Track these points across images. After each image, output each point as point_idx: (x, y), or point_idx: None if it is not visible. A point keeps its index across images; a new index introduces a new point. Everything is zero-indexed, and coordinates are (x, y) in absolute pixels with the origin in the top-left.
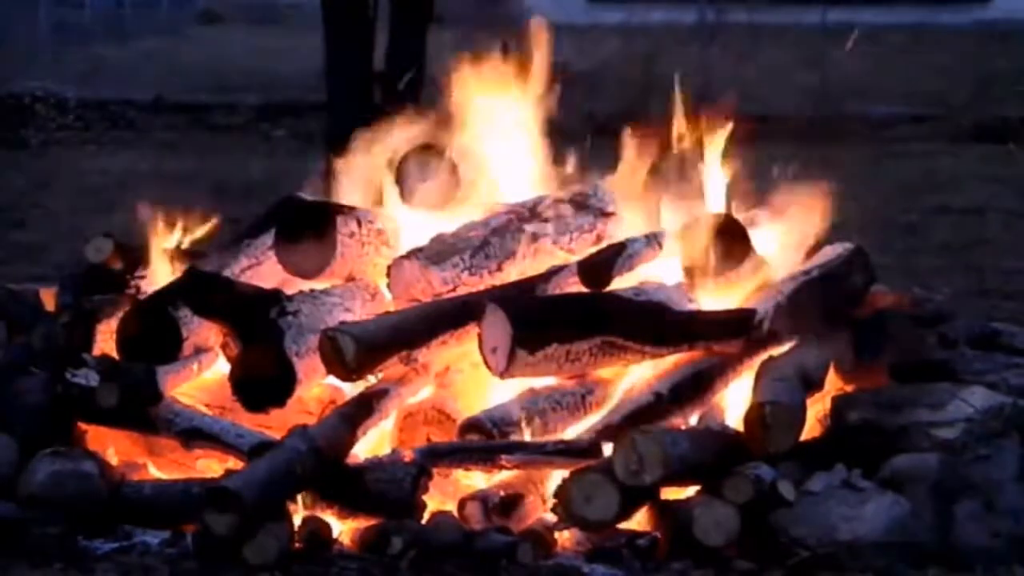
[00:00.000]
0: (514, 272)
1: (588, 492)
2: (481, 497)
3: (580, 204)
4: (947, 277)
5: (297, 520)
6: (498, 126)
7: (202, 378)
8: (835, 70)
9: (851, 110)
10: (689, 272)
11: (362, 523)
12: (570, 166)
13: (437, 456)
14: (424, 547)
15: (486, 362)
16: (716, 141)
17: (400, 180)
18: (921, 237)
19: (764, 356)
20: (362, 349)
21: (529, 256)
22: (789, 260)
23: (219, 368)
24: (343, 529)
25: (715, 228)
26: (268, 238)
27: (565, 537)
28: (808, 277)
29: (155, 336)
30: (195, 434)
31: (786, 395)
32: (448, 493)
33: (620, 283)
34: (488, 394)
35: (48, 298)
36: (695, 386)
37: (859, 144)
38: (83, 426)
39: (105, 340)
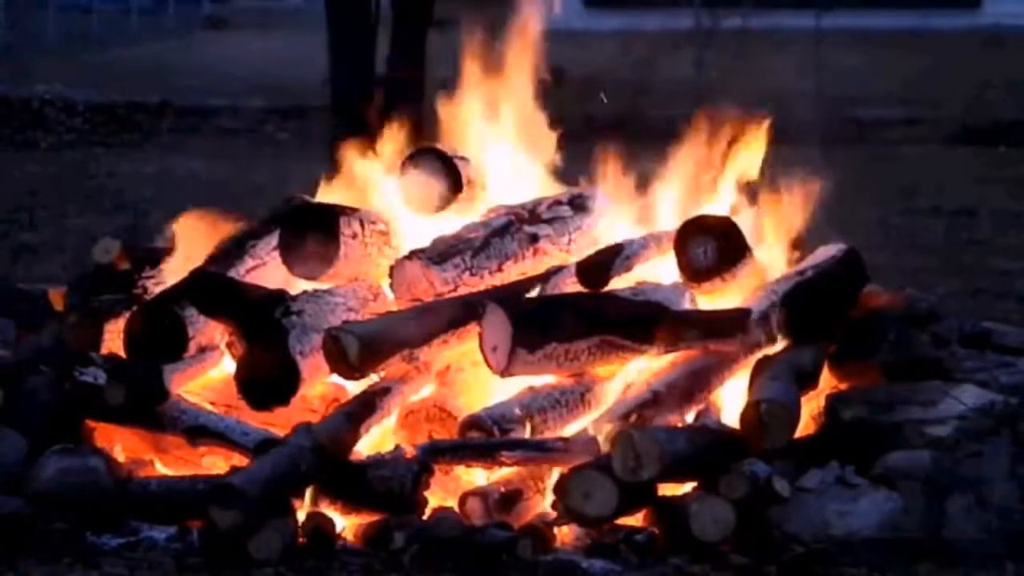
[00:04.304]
0: (514, 272)
1: (587, 488)
2: (482, 493)
3: (579, 205)
4: (940, 277)
5: (301, 516)
6: (498, 128)
7: (208, 376)
8: (829, 73)
9: (844, 113)
10: (686, 272)
11: (365, 519)
12: (569, 168)
13: (438, 453)
14: (426, 542)
15: (486, 361)
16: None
17: (402, 181)
18: (914, 238)
19: (759, 355)
20: (365, 348)
21: (529, 257)
22: (784, 260)
23: (225, 367)
24: (346, 525)
25: (712, 229)
26: (273, 239)
27: (564, 532)
28: (803, 277)
29: (161, 335)
30: (201, 431)
31: (781, 393)
32: (449, 489)
33: (618, 283)
34: (489, 392)
35: (56, 298)
36: (692, 384)
37: (853, 146)
38: (91, 423)
39: (113, 339)
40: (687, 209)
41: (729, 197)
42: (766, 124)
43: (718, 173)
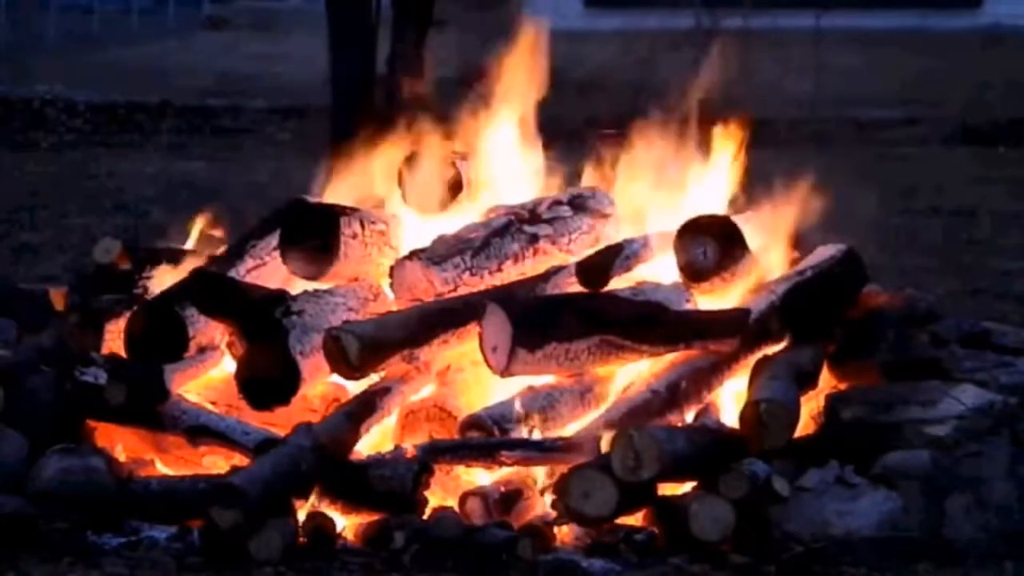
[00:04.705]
0: (514, 272)
1: (586, 488)
2: (482, 493)
3: (579, 206)
4: (939, 277)
5: (301, 516)
6: (498, 129)
7: (208, 376)
8: (828, 74)
9: (844, 113)
10: (686, 272)
11: (365, 519)
12: (569, 168)
13: (439, 453)
14: (426, 542)
15: (486, 360)
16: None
17: (403, 182)
18: (913, 238)
19: (759, 355)
20: (365, 348)
21: (529, 257)
22: (783, 261)
23: (225, 367)
24: (346, 524)
25: (712, 229)
26: (273, 239)
27: (564, 532)
28: (802, 277)
29: (162, 335)
30: (201, 431)
31: (781, 393)
32: (449, 489)
33: (618, 283)
34: (488, 392)
35: (57, 298)
36: (691, 384)
37: (852, 146)
38: (92, 423)
39: (113, 339)
40: (685, 209)
41: (727, 196)
42: (749, 122)
43: (715, 172)
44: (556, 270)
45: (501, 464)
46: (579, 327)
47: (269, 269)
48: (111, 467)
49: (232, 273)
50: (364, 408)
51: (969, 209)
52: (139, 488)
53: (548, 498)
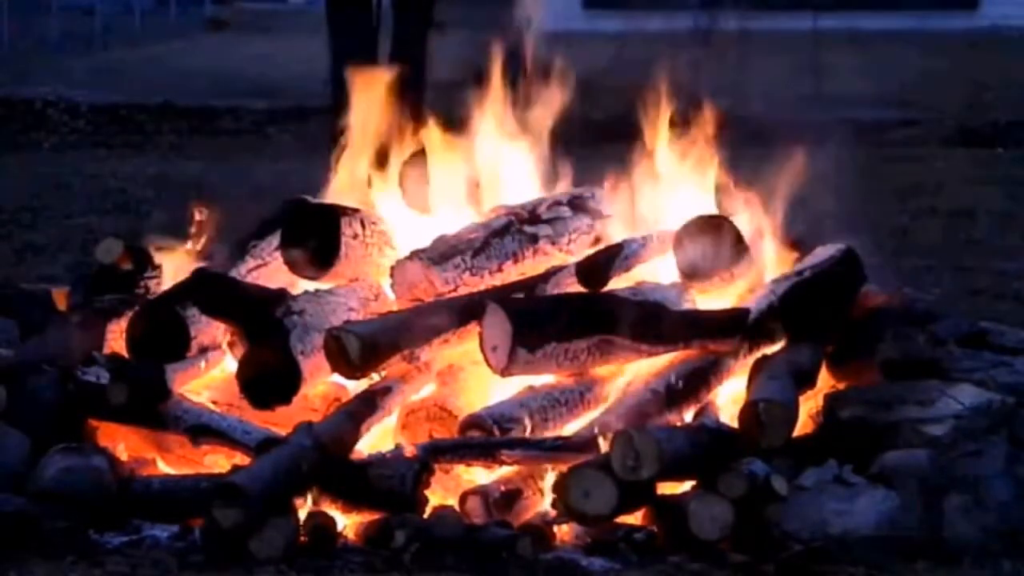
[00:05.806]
0: (514, 272)
1: (586, 487)
2: (482, 492)
3: (578, 206)
4: (937, 277)
5: (302, 515)
6: (498, 129)
7: (210, 376)
8: (827, 75)
9: (844, 113)
10: (685, 272)
11: (366, 517)
12: (568, 169)
13: (439, 452)
14: (426, 541)
15: (487, 360)
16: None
17: (403, 182)
18: (911, 238)
19: (758, 355)
20: (366, 348)
21: (529, 257)
22: (782, 261)
23: (226, 366)
24: (347, 523)
25: (711, 229)
26: (274, 239)
27: (564, 531)
28: (801, 277)
29: (164, 335)
30: (203, 430)
31: (780, 393)
32: (450, 488)
33: (618, 283)
34: (489, 391)
35: (59, 298)
36: (691, 384)
37: (851, 147)
38: (94, 423)
39: (115, 339)
40: (684, 209)
41: (724, 196)
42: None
43: (711, 172)
44: (556, 270)
45: (501, 463)
46: (579, 327)
47: (270, 269)
48: (113, 466)
49: (233, 273)
50: (365, 407)
51: (968, 210)
52: (141, 487)
53: (548, 496)
